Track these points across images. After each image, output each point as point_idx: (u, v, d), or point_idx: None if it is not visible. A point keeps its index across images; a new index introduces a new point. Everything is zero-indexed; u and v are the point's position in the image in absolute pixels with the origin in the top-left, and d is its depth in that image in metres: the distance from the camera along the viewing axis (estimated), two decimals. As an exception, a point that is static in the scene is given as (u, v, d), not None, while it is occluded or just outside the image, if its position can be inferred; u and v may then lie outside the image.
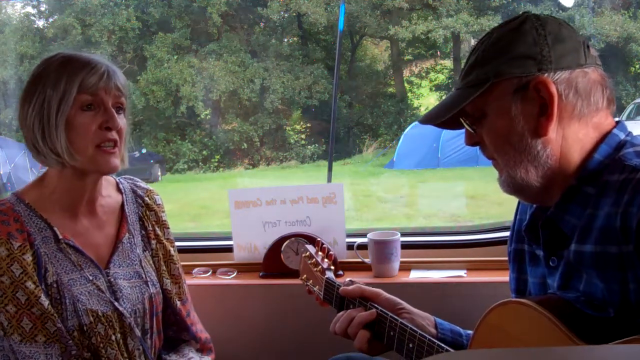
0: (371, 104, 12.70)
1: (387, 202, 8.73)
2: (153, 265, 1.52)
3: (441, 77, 13.38)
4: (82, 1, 11.39)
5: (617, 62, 10.64)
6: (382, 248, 1.86)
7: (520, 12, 1.08)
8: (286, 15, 12.14)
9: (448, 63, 13.32)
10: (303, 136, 12.37)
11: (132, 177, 1.61)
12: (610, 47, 10.11)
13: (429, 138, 9.37)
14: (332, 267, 1.52)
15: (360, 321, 1.30)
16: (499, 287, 1.65)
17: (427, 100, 13.02)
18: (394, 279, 1.86)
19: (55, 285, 1.34)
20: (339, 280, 1.44)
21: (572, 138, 1.04)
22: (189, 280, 1.82)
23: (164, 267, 1.54)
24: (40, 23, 12.27)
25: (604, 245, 0.97)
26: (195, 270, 2.01)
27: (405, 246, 1.94)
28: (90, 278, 1.38)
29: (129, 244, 1.48)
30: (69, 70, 1.32)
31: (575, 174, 1.05)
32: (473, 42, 11.54)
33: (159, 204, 1.60)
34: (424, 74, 13.65)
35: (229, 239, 2.08)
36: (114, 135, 1.35)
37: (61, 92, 1.30)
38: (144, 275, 1.48)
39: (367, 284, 1.38)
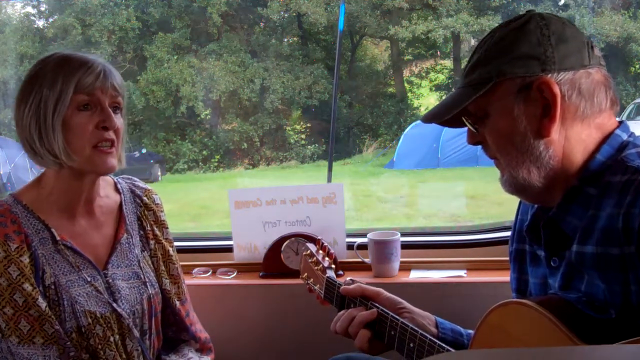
0: (371, 104, 12.70)
1: (387, 202, 8.73)
2: (152, 266, 1.52)
3: (441, 77, 13.37)
4: (82, 1, 11.39)
5: (617, 62, 10.64)
6: (382, 248, 1.86)
7: (524, 11, 1.07)
8: (286, 15, 12.14)
9: (448, 63, 13.32)
10: (303, 136, 12.37)
11: (130, 176, 1.60)
12: (610, 47, 10.11)
13: (429, 138, 9.37)
14: (333, 266, 1.52)
15: (361, 320, 1.30)
16: (499, 287, 1.65)
17: (427, 100, 13.02)
18: (394, 279, 1.86)
19: (53, 287, 1.33)
20: (339, 280, 1.44)
21: (574, 139, 1.04)
22: (189, 280, 1.82)
23: (163, 267, 1.53)
24: (40, 23, 12.29)
25: (605, 246, 0.97)
26: (195, 270, 2.01)
27: (405, 246, 1.93)
28: (88, 279, 1.38)
29: (127, 245, 1.48)
30: (65, 70, 1.31)
31: (577, 175, 1.04)
32: (473, 42, 11.54)
33: (158, 204, 1.59)
34: (424, 74, 13.65)
35: (229, 239, 2.08)
36: (111, 135, 1.34)
37: (58, 92, 1.29)
38: (142, 276, 1.47)
39: (368, 284, 1.38)
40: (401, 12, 11.57)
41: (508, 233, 1.29)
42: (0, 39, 11.14)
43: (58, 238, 1.36)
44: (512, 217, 1.28)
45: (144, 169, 9.80)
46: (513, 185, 1.09)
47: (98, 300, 1.37)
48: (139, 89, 11.29)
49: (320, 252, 1.56)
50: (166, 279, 1.53)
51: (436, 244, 2.03)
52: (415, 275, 1.87)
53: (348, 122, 12.38)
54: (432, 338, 1.19)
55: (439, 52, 13.48)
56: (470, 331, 1.30)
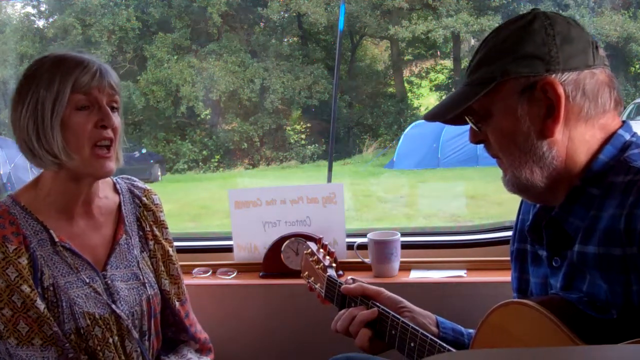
0: (371, 104, 12.70)
1: (387, 202, 8.72)
2: (151, 266, 1.51)
3: (441, 77, 13.37)
4: (82, 1, 11.38)
5: (617, 62, 10.63)
6: (382, 248, 1.85)
7: (529, 10, 1.06)
8: (286, 15, 12.13)
9: (448, 63, 13.32)
10: (303, 136, 12.37)
11: (129, 177, 1.59)
12: (610, 47, 10.10)
13: (429, 138, 9.36)
14: (334, 265, 1.52)
15: (361, 319, 1.29)
16: (499, 287, 1.64)
17: (427, 100, 13.02)
18: (394, 279, 1.86)
19: (51, 289, 1.32)
20: (340, 279, 1.44)
21: (578, 139, 1.03)
22: (188, 281, 1.82)
23: (163, 268, 1.53)
24: (40, 23, 12.27)
25: (607, 247, 0.97)
26: (195, 270, 2.01)
27: (405, 246, 1.93)
28: (87, 280, 1.37)
29: (126, 246, 1.47)
30: (62, 70, 1.30)
31: (580, 175, 1.04)
32: (473, 42, 11.55)
33: (157, 204, 1.58)
34: (424, 74, 13.64)
35: (229, 239, 2.07)
36: (109, 133, 1.34)
37: (55, 93, 1.29)
38: (141, 277, 1.46)
39: (368, 284, 1.38)
40: (401, 12, 11.57)
41: (508, 233, 1.29)
42: (0, 39, 11.13)
43: (56, 239, 1.35)
44: (513, 217, 1.28)
45: (144, 169, 9.80)
46: (516, 185, 1.08)
47: (97, 301, 1.37)
48: (139, 89, 11.29)
49: (321, 251, 1.56)
50: (165, 279, 1.53)
51: (436, 244, 2.02)
52: (415, 275, 1.87)
53: (348, 122, 12.38)
54: (433, 337, 1.19)
55: (439, 52, 13.47)
56: (471, 331, 1.30)
